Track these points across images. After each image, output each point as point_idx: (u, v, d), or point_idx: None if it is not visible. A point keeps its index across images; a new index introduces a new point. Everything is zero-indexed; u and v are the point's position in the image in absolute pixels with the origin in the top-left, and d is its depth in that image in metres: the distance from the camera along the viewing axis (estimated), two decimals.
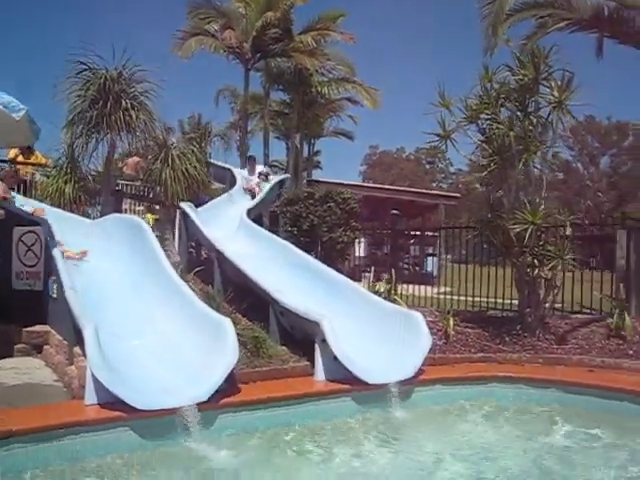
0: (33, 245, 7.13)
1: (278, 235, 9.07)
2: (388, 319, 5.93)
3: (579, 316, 7.64)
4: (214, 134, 10.57)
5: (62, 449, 3.61)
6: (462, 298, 8.68)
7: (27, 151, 10.63)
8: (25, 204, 7.51)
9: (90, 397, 4.12)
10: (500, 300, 8.26)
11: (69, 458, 3.57)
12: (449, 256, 16.76)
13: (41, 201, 8.59)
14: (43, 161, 10.43)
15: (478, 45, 10.27)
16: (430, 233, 16.17)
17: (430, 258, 17.13)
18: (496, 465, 4.07)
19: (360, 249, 12.02)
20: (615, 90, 44.73)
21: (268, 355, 5.55)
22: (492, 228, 7.10)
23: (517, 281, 7.27)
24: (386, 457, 4.12)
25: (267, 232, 8.56)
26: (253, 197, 10.57)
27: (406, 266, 17.40)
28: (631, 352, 6.50)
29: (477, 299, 8.48)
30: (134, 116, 7.92)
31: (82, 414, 4.00)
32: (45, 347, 6.07)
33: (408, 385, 5.21)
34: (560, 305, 7.84)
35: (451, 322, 6.77)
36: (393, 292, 7.69)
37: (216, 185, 11.96)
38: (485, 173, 6.74)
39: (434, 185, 49.30)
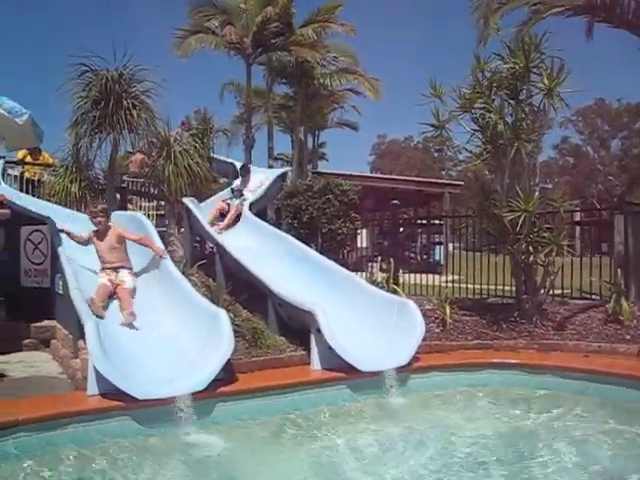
0: (40, 243, 7.38)
1: (281, 228, 9.22)
2: (383, 308, 6.03)
3: (578, 302, 7.67)
4: (216, 129, 10.62)
5: (64, 437, 3.80)
6: (470, 286, 8.70)
7: (35, 152, 10.89)
8: None
9: (92, 388, 4.31)
10: (506, 287, 8.19)
11: (70, 445, 3.75)
12: (458, 244, 16.78)
13: (48, 200, 8.84)
14: (50, 161, 10.68)
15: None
16: (437, 222, 16.20)
17: (438, 247, 17.18)
18: (482, 446, 4.19)
19: (363, 240, 12.13)
20: (626, 72, 44.01)
21: (266, 345, 5.71)
22: (488, 216, 7.18)
23: (513, 268, 7.35)
24: (374, 440, 4.25)
25: (268, 225, 8.71)
26: (223, 217, 9.26)
27: (413, 255, 17.49)
28: (628, 337, 6.51)
29: (484, 287, 8.49)
30: (135, 115, 8.10)
31: (84, 404, 4.19)
32: (52, 341, 6.32)
33: (403, 372, 5.31)
34: (560, 291, 7.90)
35: (447, 310, 6.86)
36: (392, 282, 7.78)
37: (223, 180, 12.11)
38: (478, 162, 6.81)
39: (443, 173, 49.08)
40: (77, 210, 8.44)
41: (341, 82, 18.20)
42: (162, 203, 10.54)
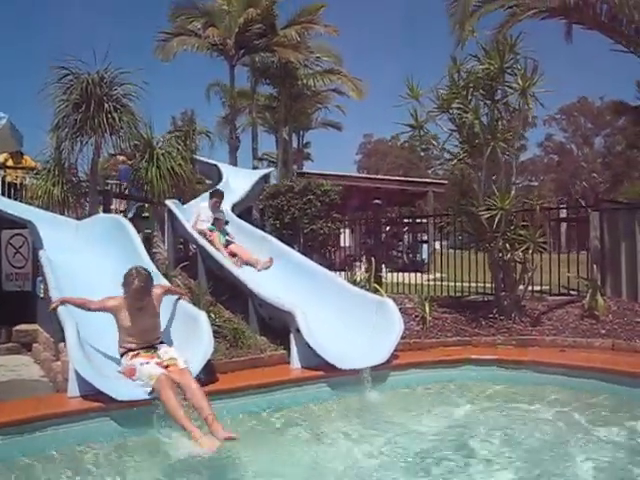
0: (21, 247, 7.39)
1: (264, 228, 9.28)
2: (363, 307, 6.12)
3: (556, 298, 7.82)
4: (199, 131, 10.67)
5: (44, 439, 3.84)
6: (452, 284, 8.79)
7: (17, 155, 10.87)
8: None
9: (72, 389, 4.35)
10: (487, 285, 8.30)
11: (49, 447, 3.79)
12: (444, 242, 16.87)
13: (30, 203, 8.83)
14: (33, 165, 10.65)
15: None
16: (420, 220, 16.29)
17: (424, 245, 17.26)
18: (458, 437, 4.32)
19: (346, 239, 12.22)
20: (608, 70, 44.53)
21: (247, 345, 5.77)
22: (466, 215, 7.30)
23: (490, 266, 7.47)
24: (353, 435, 4.35)
25: (249, 226, 8.75)
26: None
27: (399, 254, 17.61)
28: (603, 331, 6.64)
29: (466, 284, 8.58)
30: (117, 118, 8.12)
31: (64, 406, 4.23)
32: (34, 345, 6.33)
33: (382, 370, 5.39)
34: (539, 288, 8.03)
35: (427, 308, 6.96)
36: (373, 281, 7.87)
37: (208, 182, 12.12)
38: (455, 162, 6.93)
39: (429, 172, 49.29)
40: (60, 213, 8.46)
41: (325, 82, 18.32)
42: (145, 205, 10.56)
